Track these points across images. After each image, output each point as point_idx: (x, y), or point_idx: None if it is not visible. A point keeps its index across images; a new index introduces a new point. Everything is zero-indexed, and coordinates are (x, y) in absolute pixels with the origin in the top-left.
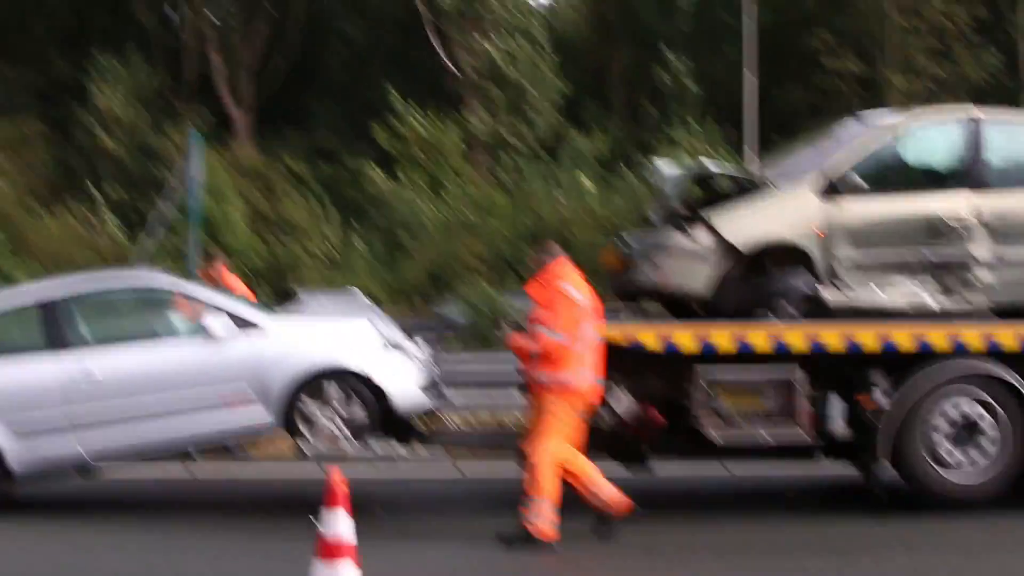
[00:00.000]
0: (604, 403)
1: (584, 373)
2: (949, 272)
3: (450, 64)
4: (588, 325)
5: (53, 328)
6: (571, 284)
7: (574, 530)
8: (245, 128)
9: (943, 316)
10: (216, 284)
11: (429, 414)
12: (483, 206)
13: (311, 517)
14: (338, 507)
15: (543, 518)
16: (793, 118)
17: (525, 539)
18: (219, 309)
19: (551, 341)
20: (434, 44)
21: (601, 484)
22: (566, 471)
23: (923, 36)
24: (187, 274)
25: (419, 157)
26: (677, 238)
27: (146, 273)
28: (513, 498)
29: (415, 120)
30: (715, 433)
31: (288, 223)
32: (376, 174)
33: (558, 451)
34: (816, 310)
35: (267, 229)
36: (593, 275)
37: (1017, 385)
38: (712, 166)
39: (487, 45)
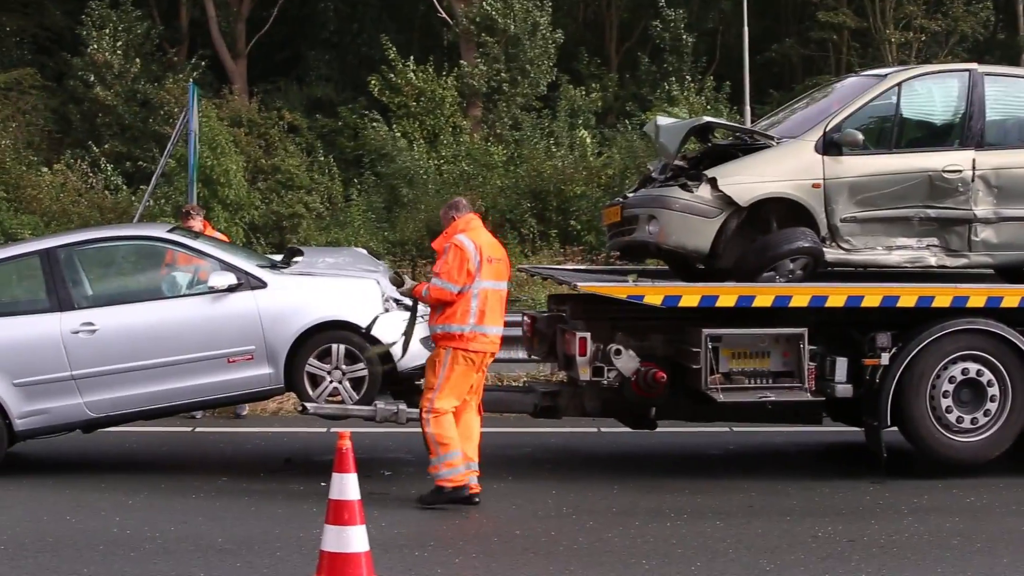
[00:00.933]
0: (610, 365)
1: (476, 323)
2: (949, 229)
3: (445, 14)
4: (486, 278)
5: (54, 281)
6: (471, 238)
7: (582, 493)
8: (240, 79)
9: (943, 274)
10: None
11: None
12: (480, 160)
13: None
14: (348, 472)
15: (452, 469)
16: (789, 72)
17: (443, 497)
18: (225, 265)
19: (442, 290)
20: None
21: (455, 459)
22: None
23: None
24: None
25: (415, 109)
26: (678, 194)
27: (149, 228)
28: (514, 455)
29: (411, 71)
30: (720, 395)
31: (286, 177)
32: (380, 126)
33: (447, 402)
34: (818, 267)
35: (265, 183)
36: (592, 230)
37: (1020, 344)
38: (713, 121)
39: None
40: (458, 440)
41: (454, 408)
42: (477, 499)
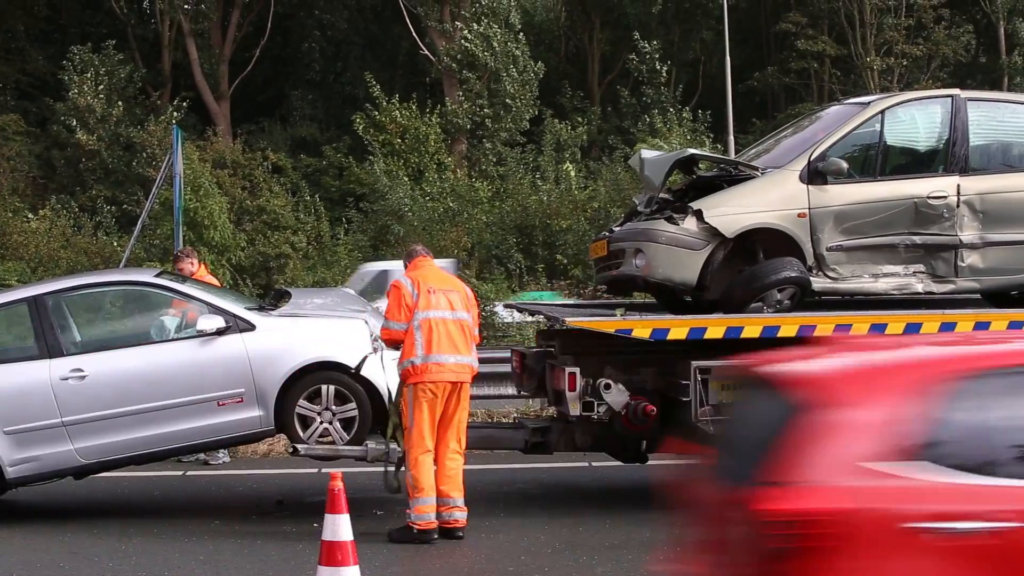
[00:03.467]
0: (600, 399)
1: (425, 354)
2: (935, 255)
3: (427, 51)
4: (429, 309)
5: (43, 328)
6: (409, 276)
7: (574, 527)
8: (224, 121)
9: (931, 300)
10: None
11: None
12: (465, 196)
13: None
14: (340, 513)
15: (421, 515)
16: (772, 101)
17: (410, 536)
18: (212, 308)
19: (388, 330)
20: (411, 31)
21: (425, 505)
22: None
23: (898, 15)
24: (174, 271)
25: (399, 147)
26: (664, 227)
27: (137, 272)
28: (506, 491)
29: (395, 109)
30: (710, 427)
31: (271, 217)
32: (375, 159)
33: (419, 442)
34: (805, 297)
35: (250, 224)
36: (578, 263)
37: None
38: (697, 153)
39: (463, 31)
40: (432, 487)
41: (431, 448)
42: (460, 534)
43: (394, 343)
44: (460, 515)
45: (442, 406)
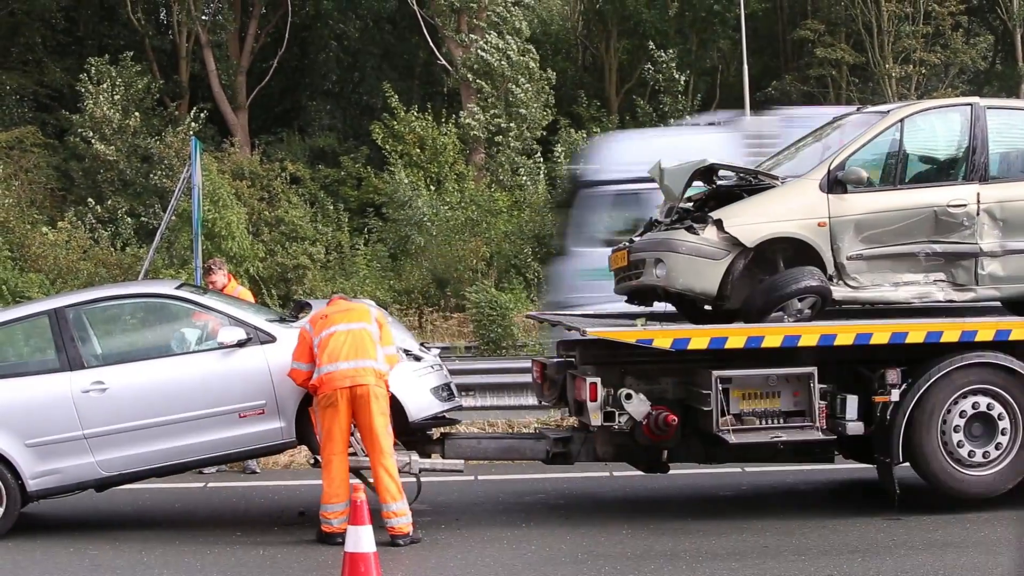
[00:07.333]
0: (621, 409)
1: (319, 367)
2: (955, 264)
3: (444, 60)
4: (324, 329)
5: (64, 341)
6: (312, 316)
7: (596, 537)
8: (242, 131)
9: (951, 308)
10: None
11: (446, 423)
12: (484, 206)
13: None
14: (363, 524)
15: (325, 520)
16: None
17: (323, 539)
18: (233, 320)
19: (292, 369)
20: (428, 41)
21: (328, 511)
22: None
23: (916, 23)
24: (194, 283)
25: (417, 158)
26: (684, 237)
27: (157, 284)
28: (528, 501)
29: (413, 119)
30: (732, 436)
31: (289, 228)
32: (396, 170)
33: (325, 447)
34: (826, 306)
35: (269, 235)
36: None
37: None
38: (716, 162)
39: (478, 41)
40: (337, 494)
41: (338, 452)
42: (401, 542)
43: (299, 381)
44: (395, 521)
45: (347, 412)
